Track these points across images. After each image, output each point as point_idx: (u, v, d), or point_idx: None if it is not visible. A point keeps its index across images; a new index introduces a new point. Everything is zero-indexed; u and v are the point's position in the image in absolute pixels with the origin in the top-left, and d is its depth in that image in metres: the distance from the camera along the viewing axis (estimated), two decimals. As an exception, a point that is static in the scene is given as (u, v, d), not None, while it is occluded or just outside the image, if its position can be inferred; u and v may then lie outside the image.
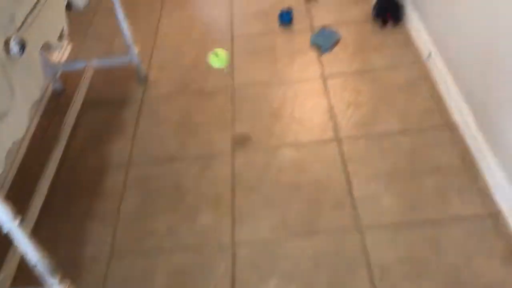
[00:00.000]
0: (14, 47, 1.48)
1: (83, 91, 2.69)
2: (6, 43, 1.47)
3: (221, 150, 2.42)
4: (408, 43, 2.83)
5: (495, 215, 1.93)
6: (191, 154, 2.44)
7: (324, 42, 2.91)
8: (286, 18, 3.12)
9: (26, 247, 1.55)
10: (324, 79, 2.71)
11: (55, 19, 1.84)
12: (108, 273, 1.99)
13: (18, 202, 1.61)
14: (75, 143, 2.60)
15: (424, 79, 2.58)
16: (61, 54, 3.19)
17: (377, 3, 2.98)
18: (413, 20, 2.84)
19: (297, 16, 3.20)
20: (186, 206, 2.20)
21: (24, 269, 1.74)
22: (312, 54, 2.90)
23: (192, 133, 2.54)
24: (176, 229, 2.11)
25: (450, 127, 2.31)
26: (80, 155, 2.53)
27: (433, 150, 2.22)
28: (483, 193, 2.02)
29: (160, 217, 2.17)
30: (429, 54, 2.61)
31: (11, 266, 1.85)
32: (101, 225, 2.18)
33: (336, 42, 2.92)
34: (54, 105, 2.87)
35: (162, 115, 2.69)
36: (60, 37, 1.89)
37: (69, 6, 2.05)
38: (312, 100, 2.59)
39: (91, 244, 2.11)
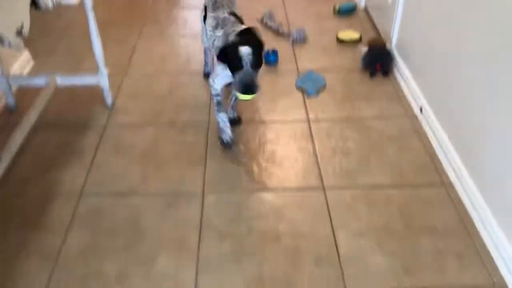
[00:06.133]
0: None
1: (38, 109, 2.36)
2: None
3: (189, 189, 2.12)
4: (398, 95, 2.69)
5: (501, 286, 1.69)
6: (155, 190, 2.12)
7: (310, 86, 2.74)
8: (272, 58, 2.95)
9: None
10: (309, 123, 2.50)
11: (13, 11, 1.57)
12: (36, 324, 1.61)
13: None
14: (20, 167, 2.24)
15: (416, 132, 2.41)
16: (21, 66, 2.88)
17: (367, 53, 2.86)
18: (404, 73, 2.72)
19: (283, 58, 3.04)
20: (143, 249, 1.86)
21: None
22: (297, 97, 2.70)
23: (157, 167, 2.24)
24: (128, 274, 1.76)
25: (445, 185, 2.11)
26: (23, 182, 2.17)
27: (428, 208, 1.99)
28: (484, 259, 1.79)
29: (110, 259, 1.82)
30: (421, 108, 2.46)
31: None
32: (38, 263, 1.80)
33: (322, 87, 2.75)
34: (3, 123, 2.52)
35: (126, 145, 2.38)
36: (19, 33, 1.61)
37: (36, 5, 1.79)
38: (296, 144, 2.36)
39: (21, 284, 1.72)
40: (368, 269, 1.76)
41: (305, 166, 2.23)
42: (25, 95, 2.69)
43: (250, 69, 1.97)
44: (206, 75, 2.84)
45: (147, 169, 2.23)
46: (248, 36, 2.08)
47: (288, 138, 2.41)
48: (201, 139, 2.41)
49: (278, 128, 2.47)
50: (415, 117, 2.51)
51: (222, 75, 2.20)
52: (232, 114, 2.46)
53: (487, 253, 1.81)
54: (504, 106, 1.74)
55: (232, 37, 2.10)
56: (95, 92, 2.70)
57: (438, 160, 2.23)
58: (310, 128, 2.47)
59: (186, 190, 2.11)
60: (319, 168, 2.21)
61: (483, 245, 1.84)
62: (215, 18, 2.30)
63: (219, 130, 2.31)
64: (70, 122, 2.55)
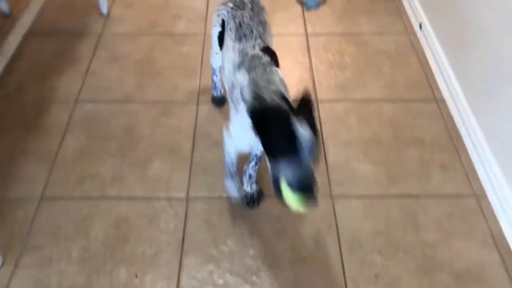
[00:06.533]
0: None
1: (32, 14, 2.34)
2: None
3: (185, 98, 2.14)
4: (399, 11, 2.63)
5: (479, 196, 1.76)
6: (150, 98, 2.15)
7: (310, -1, 2.67)
8: (271, -31, 2.85)
9: None
10: (307, 37, 2.47)
11: None
12: (37, 218, 1.69)
13: None
14: (16, 73, 2.25)
15: (414, 49, 2.38)
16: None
17: (371, -34, 2.75)
18: (407, -12, 2.64)
19: (283, -30, 2.94)
20: (138, 153, 1.92)
21: None
22: (296, 10, 2.65)
23: (154, 76, 2.25)
24: (124, 176, 1.83)
25: (438, 101, 2.12)
26: (19, 87, 2.18)
27: (418, 123, 2.03)
28: (468, 172, 1.84)
29: (106, 161, 1.88)
30: (420, 25, 2.42)
31: None
32: (35, 164, 1.87)
33: (322, 1, 2.68)
34: (-3, 29, 2.50)
35: (122, 54, 2.37)
36: None
37: None
38: (292, 57, 2.35)
39: (20, 184, 1.80)
40: (354, 177, 1.83)
41: (300, 79, 2.23)
42: (18, 1, 2.63)
43: (310, 159, 1.23)
44: (217, 101, 2.09)
45: (143, 78, 2.24)
46: (301, 106, 1.30)
47: (285, 51, 2.38)
48: (196, 50, 2.39)
49: (275, 41, 2.42)
50: (414, 33, 2.48)
51: (239, 137, 1.51)
52: (250, 187, 1.72)
53: (471, 165, 1.87)
54: (503, 27, 1.71)
55: (272, 98, 1.33)
56: (90, 1, 2.64)
57: (433, 76, 2.23)
58: (307, 41, 2.44)
59: (181, 99, 2.13)
60: (314, 82, 2.22)
61: (468, 158, 1.89)
62: (241, 52, 1.53)
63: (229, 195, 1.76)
64: (65, 30, 2.52)
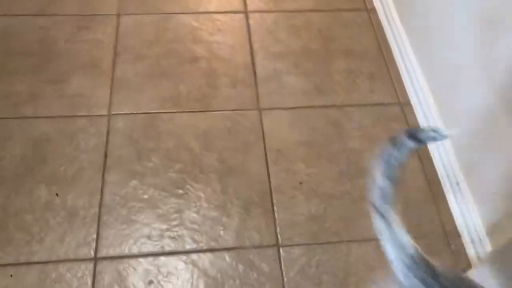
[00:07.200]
0: None
1: None
2: None
3: (103, 10, 1.98)
4: None
5: (403, 104, 1.80)
6: (67, 11, 1.97)
7: None
8: None
9: None
10: None
11: None
12: None
13: None
14: None
15: (347, -43, 2.30)
16: None
17: None
18: None
19: None
20: (54, 69, 1.79)
21: None
22: None
23: (70, -13, 2.07)
24: (41, 94, 1.71)
25: (369, 10, 2.09)
26: None
27: (348, 33, 1.99)
28: (394, 81, 1.86)
29: (20, 79, 1.75)
30: None
31: None
32: None
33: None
34: None
35: (32, -38, 2.15)
36: None
37: None
38: (220, -34, 2.22)
39: None
40: (282, 89, 1.80)
41: (229, -10, 2.12)
42: None
43: None
44: None
45: (57, -11, 2.05)
46: None
47: (214, -40, 2.24)
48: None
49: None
50: None
51: None
52: None
53: (398, 76, 1.88)
54: None
55: None
56: None
57: (365, -14, 2.18)
58: (238, -50, 2.30)
59: (100, 12, 1.98)
60: (243, -8, 2.11)
61: (395, 69, 1.90)
62: None
63: None
64: None
